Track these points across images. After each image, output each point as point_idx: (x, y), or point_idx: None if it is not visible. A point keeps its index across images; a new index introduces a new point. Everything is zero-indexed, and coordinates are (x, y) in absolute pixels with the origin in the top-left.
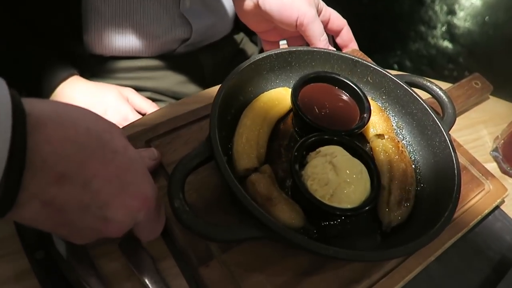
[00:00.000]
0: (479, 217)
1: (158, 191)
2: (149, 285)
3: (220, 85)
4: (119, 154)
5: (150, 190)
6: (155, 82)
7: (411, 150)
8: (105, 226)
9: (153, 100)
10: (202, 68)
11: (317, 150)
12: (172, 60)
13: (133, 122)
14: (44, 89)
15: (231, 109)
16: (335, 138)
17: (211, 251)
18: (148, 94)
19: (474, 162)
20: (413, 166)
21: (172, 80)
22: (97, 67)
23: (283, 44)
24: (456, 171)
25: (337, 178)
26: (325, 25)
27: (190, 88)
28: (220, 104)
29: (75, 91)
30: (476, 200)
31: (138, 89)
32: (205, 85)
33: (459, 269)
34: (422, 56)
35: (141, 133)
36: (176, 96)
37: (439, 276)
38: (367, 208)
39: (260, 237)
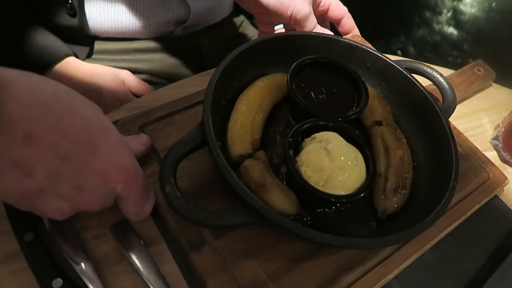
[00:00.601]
0: (477, 206)
1: (141, 169)
2: (140, 269)
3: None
4: (90, 121)
5: (127, 160)
6: (151, 64)
7: (409, 137)
8: (79, 195)
9: (150, 82)
10: (200, 51)
11: (312, 136)
12: (169, 42)
13: (127, 104)
14: (38, 69)
15: (226, 94)
16: (331, 124)
17: (203, 237)
18: (145, 76)
19: (474, 150)
20: (411, 153)
21: (169, 63)
22: (93, 49)
23: (279, 28)
24: (454, 159)
25: (331, 165)
26: (325, 13)
27: (188, 71)
28: (214, 89)
29: (70, 72)
30: (474, 188)
31: (134, 72)
32: (203, 68)
33: (454, 257)
34: (426, 43)
35: (135, 118)
36: (173, 79)
37: (434, 265)
38: (361, 195)
39: (253, 223)
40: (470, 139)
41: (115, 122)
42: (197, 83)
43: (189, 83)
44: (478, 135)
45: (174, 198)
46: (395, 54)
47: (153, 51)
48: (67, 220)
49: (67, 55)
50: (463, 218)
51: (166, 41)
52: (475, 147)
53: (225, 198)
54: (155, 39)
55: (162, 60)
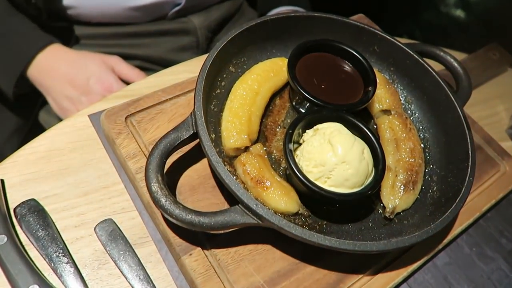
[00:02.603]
0: (493, 202)
1: None
2: (126, 273)
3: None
4: None
5: None
6: (145, 49)
7: (421, 127)
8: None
9: (144, 69)
10: (196, 34)
11: (315, 127)
12: (163, 25)
13: (114, 93)
14: (20, 60)
15: (222, 81)
16: (335, 114)
17: (195, 238)
18: (138, 62)
19: (489, 140)
20: (422, 145)
21: (164, 47)
22: (84, 34)
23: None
24: (470, 152)
25: (335, 159)
26: None
27: (184, 55)
28: (207, 76)
29: (55, 60)
30: (490, 182)
31: (127, 58)
32: (200, 52)
33: (468, 257)
34: (433, 26)
35: (121, 108)
36: (168, 65)
37: (446, 265)
38: (368, 193)
39: (249, 225)
40: (485, 128)
41: (99, 113)
42: (191, 69)
43: (182, 69)
44: (493, 124)
45: (161, 197)
46: (401, 38)
47: (147, 35)
48: (46, 220)
49: (51, 43)
50: (477, 215)
51: (160, 25)
52: (490, 137)
53: (219, 196)
54: (148, 22)
55: (156, 45)
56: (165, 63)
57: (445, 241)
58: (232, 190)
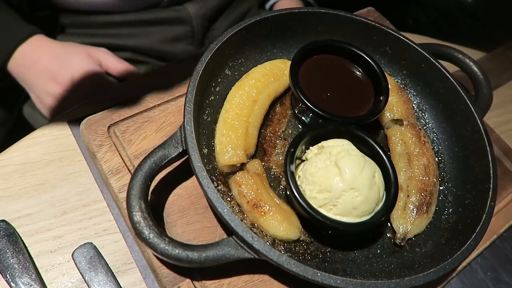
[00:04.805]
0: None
1: None
2: None
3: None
4: None
5: None
6: (136, 39)
7: (435, 138)
8: None
9: (134, 61)
10: (191, 23)
11: (320, 144)
12: (156, 14)
13: (96, 97)
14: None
15: (216, 86)
16: (343, 128)
17: (184, 268)
18: (128, 54)
19: (507, 151)
20: (437, 159)
21: (156, 38)
22: (70, 23)
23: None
24: (492, 172)
25: (343, 185)
26: None
27: (178, 46)
28: (199, 83)
29: (37, 54)
30: (509, 199)
31: (116, 49)
32: (195, 43)
33: (482, 284)
34: (438, 10)
35: (103, 117)
36: (161, 56)
37: None
38: (382, 219)
39: (243, 258)
40: (502, 136)
41: (80, 119)
42: (184, 68)
43: (174, 68)
44: (510, 131)
45: (144, 229)
46: (406, 24)
47: (138, 24)
48: (18, 244)
49: (32, 34)
50: (494, 238)
51: (153, 13)
52: (509, 147)
53: (212, 218)
54: (140, 11)
55: (149, 35)
56: (157, 55)
57: (459, 268)
58: (225, 220)
